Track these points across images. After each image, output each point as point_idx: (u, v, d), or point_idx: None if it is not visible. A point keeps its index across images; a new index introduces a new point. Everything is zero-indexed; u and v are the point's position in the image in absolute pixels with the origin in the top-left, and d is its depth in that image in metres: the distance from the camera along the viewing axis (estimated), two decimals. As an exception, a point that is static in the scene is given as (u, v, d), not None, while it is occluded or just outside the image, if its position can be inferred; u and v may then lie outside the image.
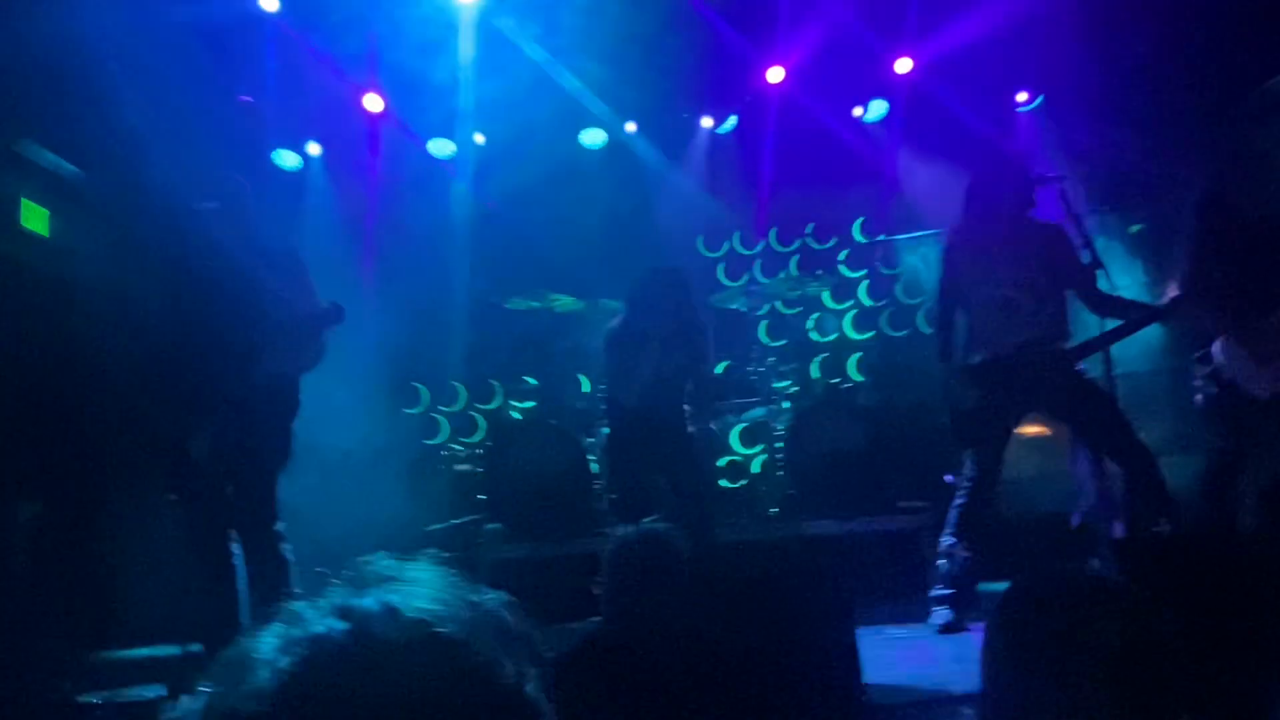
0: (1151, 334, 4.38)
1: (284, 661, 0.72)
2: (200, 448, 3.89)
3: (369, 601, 0.76)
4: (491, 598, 0.84)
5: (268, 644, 0.73)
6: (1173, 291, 3.83)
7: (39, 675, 3.89)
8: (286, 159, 6.65)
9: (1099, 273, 4.04)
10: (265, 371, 3.90)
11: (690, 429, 5.05)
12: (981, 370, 4.16)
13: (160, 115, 5.10)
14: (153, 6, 4.91)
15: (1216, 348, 3.93)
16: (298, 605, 0.77)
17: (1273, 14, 5.11)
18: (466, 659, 0.74)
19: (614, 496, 5.08)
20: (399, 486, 6.19)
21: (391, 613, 0.75)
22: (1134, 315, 4.03)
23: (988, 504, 4.19)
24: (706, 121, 7.25)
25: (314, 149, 6.91)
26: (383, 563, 0.84)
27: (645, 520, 2.67)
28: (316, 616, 0.75)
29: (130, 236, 5.75)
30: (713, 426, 6.35)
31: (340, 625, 0.73)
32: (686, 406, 5.00)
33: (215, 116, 5.63)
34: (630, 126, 7.20)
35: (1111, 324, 4.10)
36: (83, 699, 3.71)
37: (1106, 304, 4.16)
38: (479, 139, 7.10)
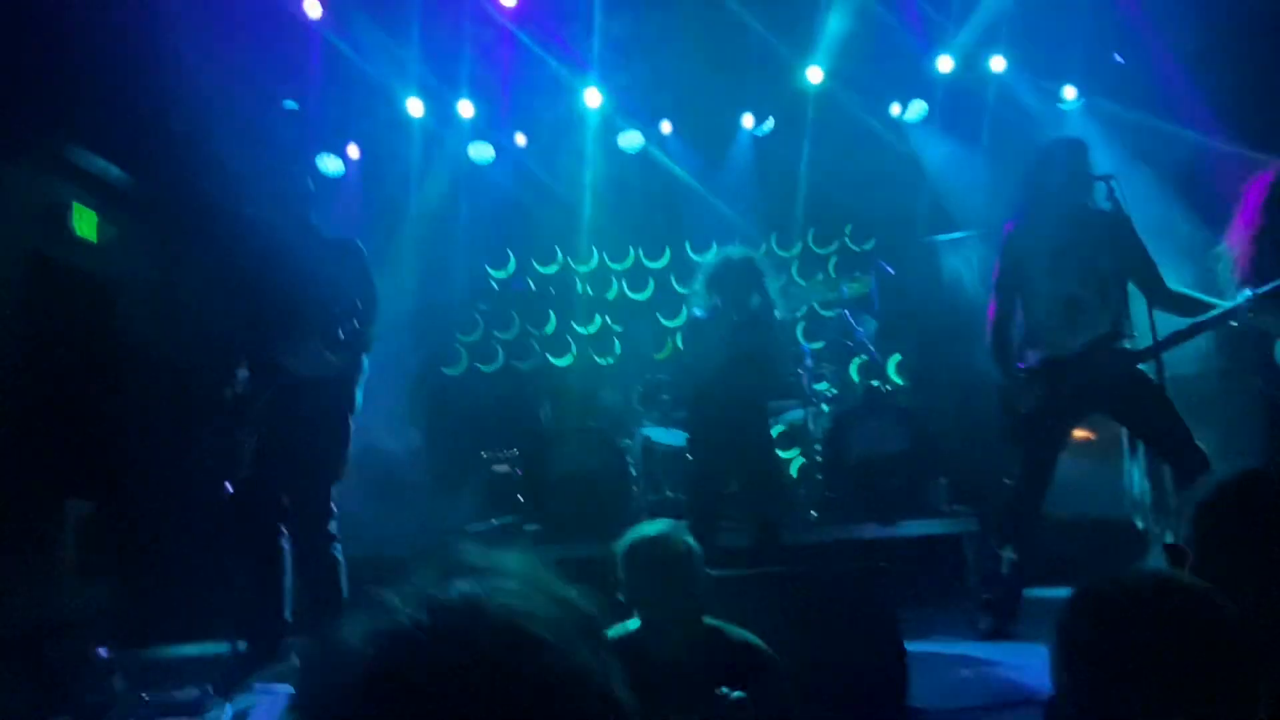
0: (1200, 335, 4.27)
1: (369, 653, 0.70)
2: (249, 444, 3.91)
3: (454, 594, 0.74)
4: (578, 594, 0.83)
5: (354, 633, 0.72)
6: (1240, 283, 3.74)
7: (89, 673, 3.95)
8: (330, 164, 6.72)
9: None
10: (320, 366, 3.89)
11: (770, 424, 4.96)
12: (1043, 370, 4.06)
13: (207, 120, 5.18)
14: (199, 12, 4.97)
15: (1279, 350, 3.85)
16: (386, 593, 0.76)
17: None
18: (552, 660, 0.72)
19: (687, 498, 4.96)
20: (440, 487, 6.24)
21: (475, 609, 0.73)
22: (1205, 314, 3.91)
23: (1038, 508, 4.11)
24: (746, 121, 7.21)
25: (354, 152, 6.97)
26: (471, 549, 0.82)
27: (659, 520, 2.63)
28: (402, 608, 0.74)
29: (177, 239, 5.87)
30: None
31: (424, 619, 0.72)
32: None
33: (260, 122, 5.70)
34: (666, 127, 7.18)
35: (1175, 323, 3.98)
36: (133, 697, 3.76)
37: (1175, 300, 4.02)
38: (520, 140, 7.13)
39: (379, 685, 0.69)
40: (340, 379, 3.98)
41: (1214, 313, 3.85)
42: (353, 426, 4.07)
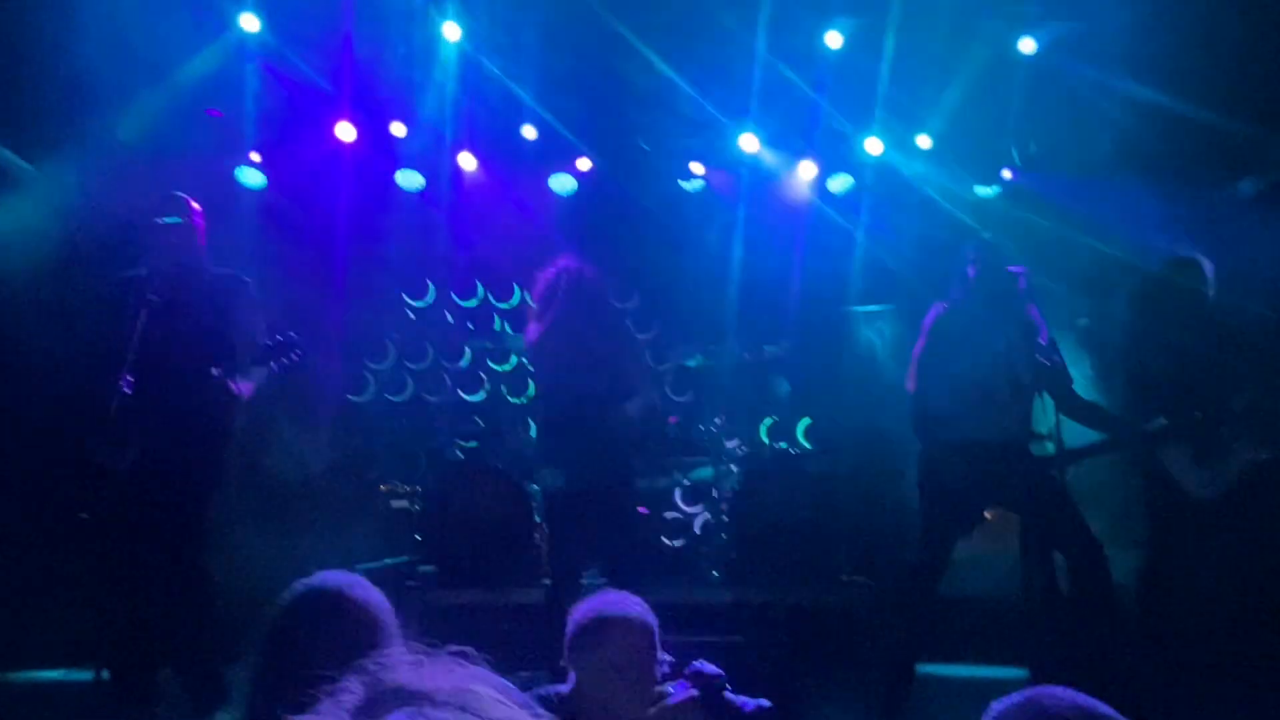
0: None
1: None
2: (122, 464, 3.76)
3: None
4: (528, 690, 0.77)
5: None
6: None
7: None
8: (250, 176, 6.53)
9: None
10: (198, 396, 3.79)
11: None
12: (959, 454, 4.13)
13: (127, 120, 4.99)
14: (132, 14, 4.81)
15: (1163, 451, 4.03)
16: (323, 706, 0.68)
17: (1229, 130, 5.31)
18: None
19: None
20: (333, 519, 6.02)
21: None
22: (1114, 431, 4.10)
23: (936, 585, 4.15)
24: (686, 184, 7.27)
25: (278, 170, 6.79)
26: (402, 666, 0.74)
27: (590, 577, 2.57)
28: None
29: (73, 243, 5.60)
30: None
31: None
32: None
33: (183, 127, 5.53)
34: (584, 164, 7.15)
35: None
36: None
37: (1082, 410, 4.20)
38: (468, 164, 7.01)
39: None
40: (217, 409, 3.90)
41: (1124, 435, 4.04)
42: (231, 452, 4.02)
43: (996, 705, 1.34)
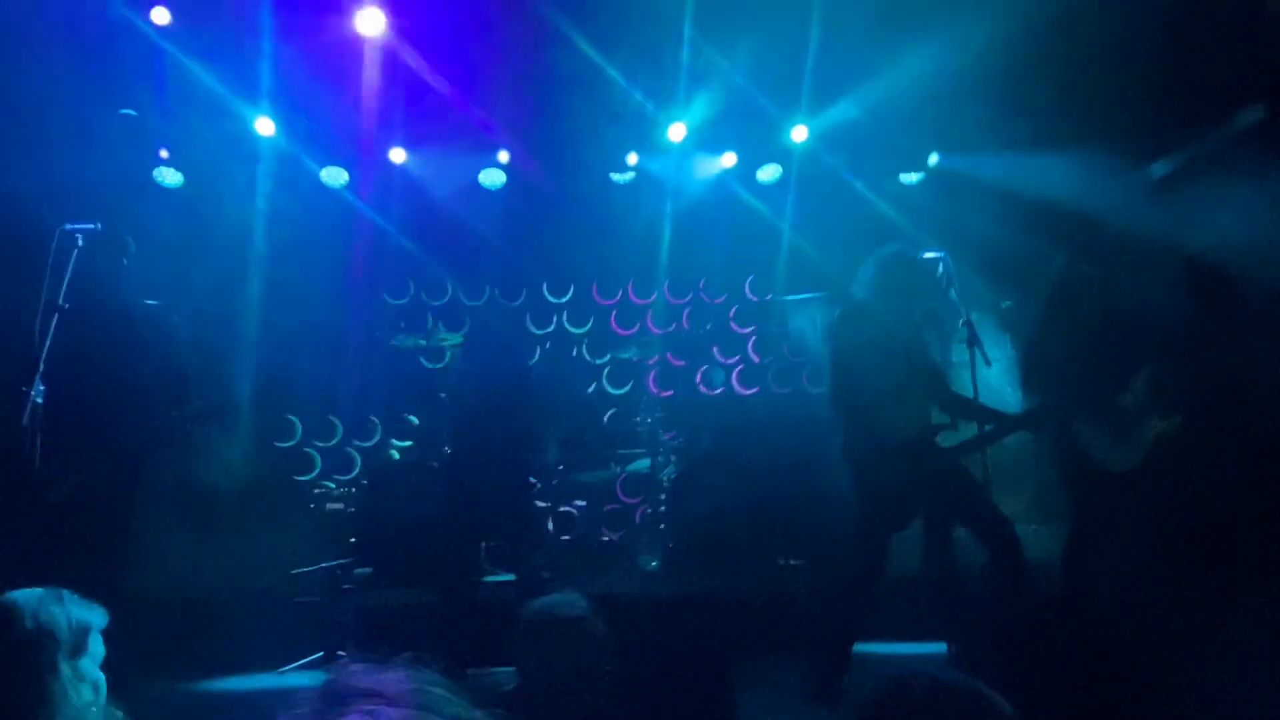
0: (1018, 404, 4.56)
1: None
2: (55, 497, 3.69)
3: None
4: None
5: None
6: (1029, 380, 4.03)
7: None
8: (168, 176, 6.36)
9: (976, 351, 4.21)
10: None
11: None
12: (876, 451, 4.18)
13: (34, 121, 4.82)
14: (35, 7, 4.65)
15: (1076, 424, 4.16)
16: None
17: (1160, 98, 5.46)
18: None
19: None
20: (266, 525, 5.90)
21: None
22: (992, 422, 4.24)
23: (881, 569, 4.21)
24: (615, 175, 7.26)
25: (197, 169, 6.62)
26: (357, 671, 0.76)
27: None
28: None
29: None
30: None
31: None
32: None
33: (96, 128, 5.35)
34: (504, 156, 7.11)
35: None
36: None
37: (959, 406, 4.32)
38: (395, 158, 6.90)
39: None
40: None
41: (1000, 425, 4.18)
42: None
43: (865, 691, 1.41)
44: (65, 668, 1.91)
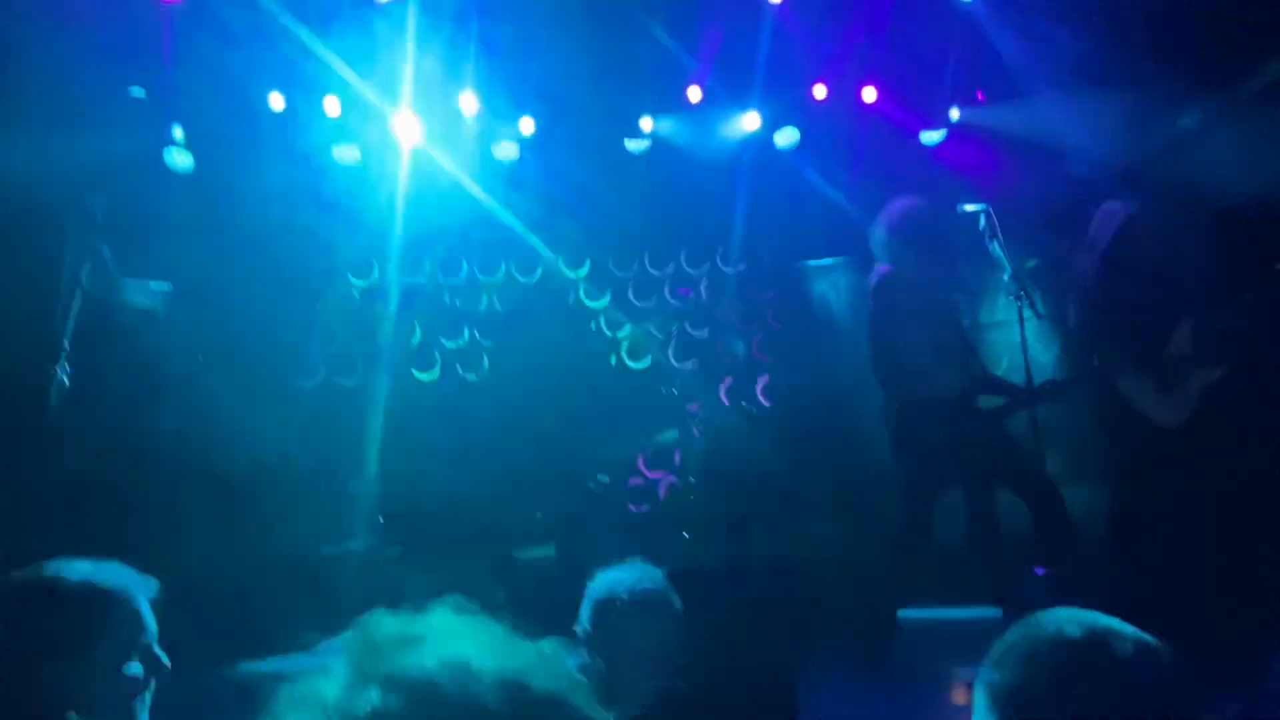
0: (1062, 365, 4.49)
1: None
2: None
3: (429, 665, 0.64)
4: (550, 643, 0.75)
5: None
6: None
7: None
8: (178, 159, 6.26)
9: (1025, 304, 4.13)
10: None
11: None
12: (920, 412, 4.12)
13: (42, 102, 4.73)
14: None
15: (1121, 381, 4.07)
16: (320, 686, 0.62)
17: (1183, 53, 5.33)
18: (563, 714, 0.67)
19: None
20: (293, 506, 5.87)
21: (467, 673, 0.64)
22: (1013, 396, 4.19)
23: (920, 543, 4.16)
24: (632, 143, 7.13)
25: (209, 149, 6.52)
26: (388, 621, 0.71)
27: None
28: (352, 695, 0.61)
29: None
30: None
31: (395, 700, 0.62)
32: None
33: (103, 109, 5.26)
34: (528, 126, 6.99)
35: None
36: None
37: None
38: (409, 133, 6.78)
39: None
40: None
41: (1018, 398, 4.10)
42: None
43: (999, 644, 1.33)
44: (123, 638, 1.78)
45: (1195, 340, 4.10)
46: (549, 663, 0.69)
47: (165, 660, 1.80)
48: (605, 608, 2.30)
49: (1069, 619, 1.30)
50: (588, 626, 2.31)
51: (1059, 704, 1.22)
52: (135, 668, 1.77)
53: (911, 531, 4.09)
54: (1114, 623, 1.30)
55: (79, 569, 1.79)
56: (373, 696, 0.63)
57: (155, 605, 1.88)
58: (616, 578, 2.34)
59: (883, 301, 4.23)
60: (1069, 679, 1.23)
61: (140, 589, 1.85)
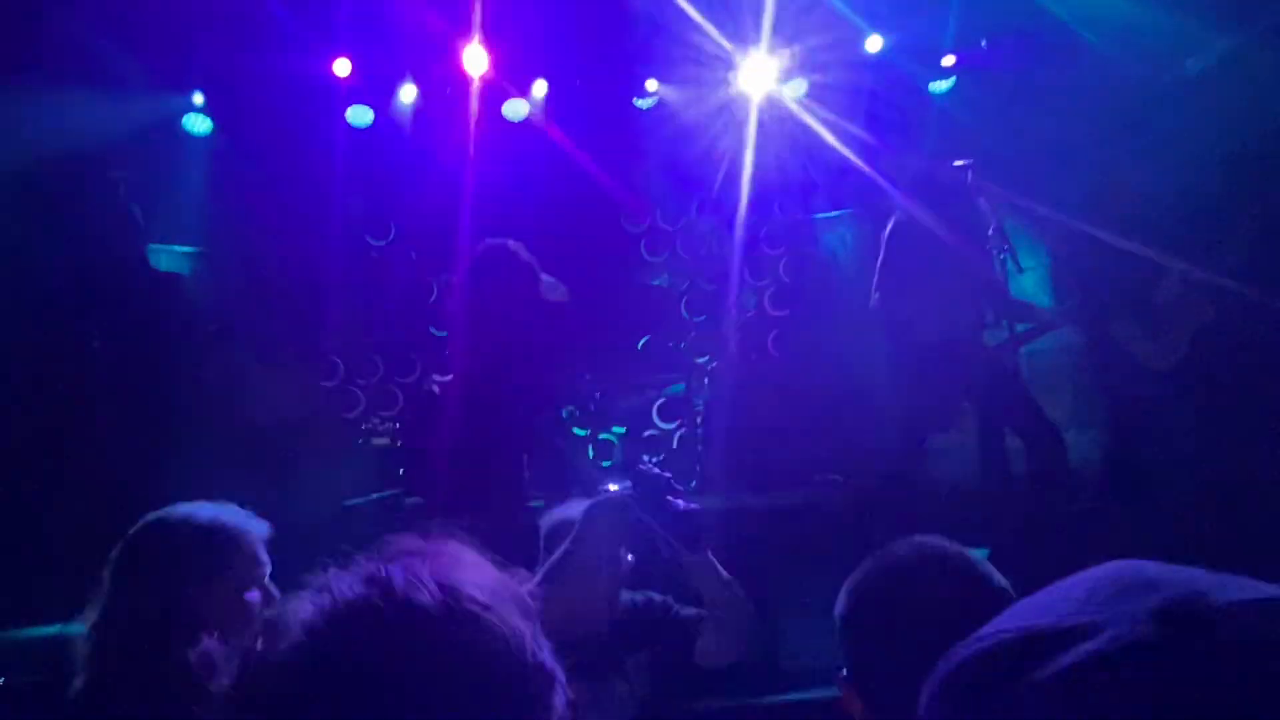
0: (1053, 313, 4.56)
1: (317, 623, 0.76)
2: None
3: (397, 571, 0.79)
4: (514, 573, 0.89)
5: (301, 607, 0.78)
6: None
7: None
8: (197, 124, 6.40)
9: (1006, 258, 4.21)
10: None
11: None
12: (925, 354, 4.23)
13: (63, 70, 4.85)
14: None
15: (1113, 326, 4.15)
16: (328, 574, 0.80)
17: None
18: (491, 629, 0.78)
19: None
20: (316, 461, 6.08)
21: (417, 581, 0.78)
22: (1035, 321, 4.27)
23: (914, 482, 4.30)
24: (639, 101, 7.17)
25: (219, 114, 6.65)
26: (407, 539, 0.88)
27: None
28: (347, 584, 0.78)
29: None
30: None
31: (370, 591, 0.77)
32: None
33: (124, 76, 5.38)
34: (540, 88, 7.05)
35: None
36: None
37: (1012, 309, 4.39)
38: (403, 101, 6.87)
39: (325, 650, 0.75)
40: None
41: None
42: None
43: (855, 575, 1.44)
44: (245, 569, 1.97)
45: (1185, 284, 4.16)
46: (498, 585, 0.85)
47: (276, 593, 1.98)
48: (558, 530, 2.47)
49: (905, 544, 1.41)
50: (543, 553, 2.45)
51: (881, 626, 1.35)
52: (255, 595, 1.97)
53: (902, 468, 4.24)
54: (944, 544, 1.40)
55: (205, 510, 2.00)
56: (360, 588, 0.79)
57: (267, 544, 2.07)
58: (570, 504, 2.52)
59: (894, 248, 4.35)
60: (884, 603, 1.35)
61: (258, 528, 2.05)
